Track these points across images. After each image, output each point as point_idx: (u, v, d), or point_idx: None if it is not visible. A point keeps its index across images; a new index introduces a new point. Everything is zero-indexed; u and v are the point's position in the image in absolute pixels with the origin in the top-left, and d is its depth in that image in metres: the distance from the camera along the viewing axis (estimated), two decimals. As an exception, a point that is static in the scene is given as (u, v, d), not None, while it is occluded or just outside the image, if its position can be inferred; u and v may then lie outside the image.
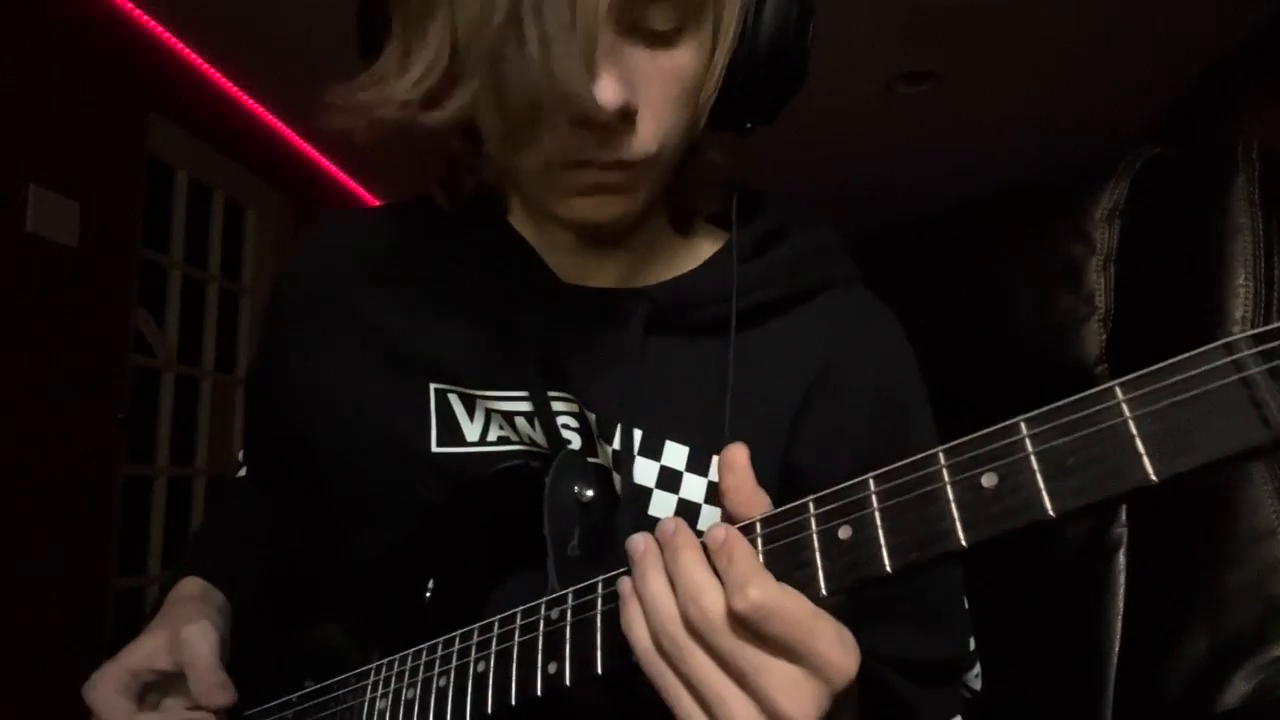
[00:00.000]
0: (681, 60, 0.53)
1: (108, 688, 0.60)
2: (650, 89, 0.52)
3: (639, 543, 0.44)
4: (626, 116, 0.51)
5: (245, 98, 2.97)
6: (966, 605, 0.64)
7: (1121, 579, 0.78)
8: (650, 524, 0.45)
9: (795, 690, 0.38)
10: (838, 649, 0.39)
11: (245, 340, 3.17)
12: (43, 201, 2.10)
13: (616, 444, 0.59)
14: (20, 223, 2.04)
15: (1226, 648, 0.69)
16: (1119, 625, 0.77)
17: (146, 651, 0.62)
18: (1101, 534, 0.80)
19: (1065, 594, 0.81)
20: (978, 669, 0.64)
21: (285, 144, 3.20)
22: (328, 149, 3.41)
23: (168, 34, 2.58)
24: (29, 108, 2.08)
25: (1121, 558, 0.79)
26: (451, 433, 0.64)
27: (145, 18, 2.49)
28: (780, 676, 0.39)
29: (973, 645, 0.64)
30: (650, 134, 0.53)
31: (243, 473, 0.84)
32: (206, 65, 2.77)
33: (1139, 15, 2.53)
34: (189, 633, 0.61)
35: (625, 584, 0.44)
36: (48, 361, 2.14)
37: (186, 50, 2.67)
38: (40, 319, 2.11)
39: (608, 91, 0.49)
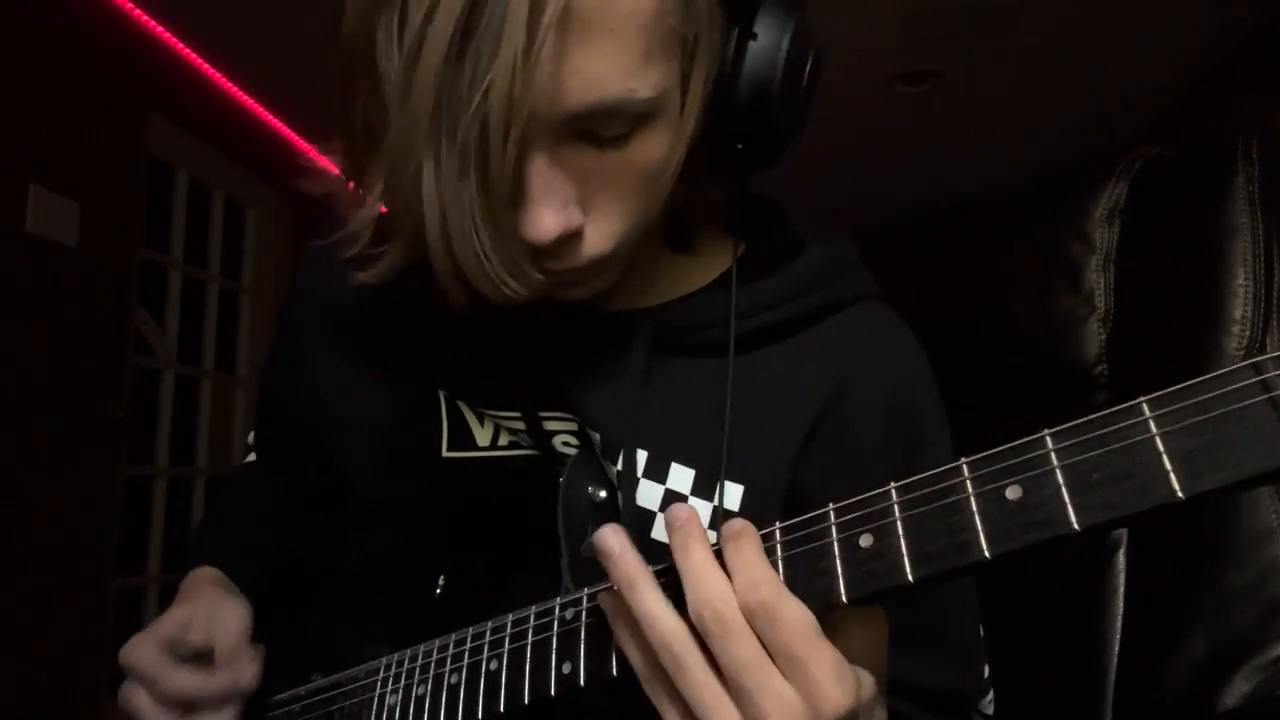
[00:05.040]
0: (636, 155, 0.48)
1: (145, 647, 0.60)
2: (601, 188, 0.48)
3: (612, 544, 0.42)
4: (568, 236, 0.48)
5: (245, 98, 2.97)
6: (982, 633, 0.63)
7: (1121, 579, 0.78)
8: (654, 548, 0.44)
9: (788, 713, 0.38)
10: (834, 683, 0.38)
11: (245, 340, 3.17)
12: (43, 201, 2.09)
13: (620, 465, 0.58)
14: (20, 223, 2.04)
15: (1226, 648, 0.69)
16: (1119, 625, 0.77)
17: (179, 620, 0.62)
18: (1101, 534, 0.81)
19: (1065, 593, 0.81)
20: (991, 694, 0.63)
21: (285, 144, 3.19)
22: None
23: (168, 34, 2.58)
24: (29, 108, 2.08)
25: (1121, 557, 0.79)
26: (463, 437, 0.64)
27: (145, 18, 2.49)
28: (774, 696, 0.38)
29: (987, 673, 0.63)
30: (602, 237, 0.50)
31: (251, 457, 0.84)
32: (206, 65, 2.77)
33: (1139, 15, 2.54)
34: (227, 608, 0.63)
35: (607, 601, 0.43)
36: (48, 361, 2.14)
37: (186, 50, 2.67)
38: (40, 319, 2.11)
39: (539, 225, 0.46)
